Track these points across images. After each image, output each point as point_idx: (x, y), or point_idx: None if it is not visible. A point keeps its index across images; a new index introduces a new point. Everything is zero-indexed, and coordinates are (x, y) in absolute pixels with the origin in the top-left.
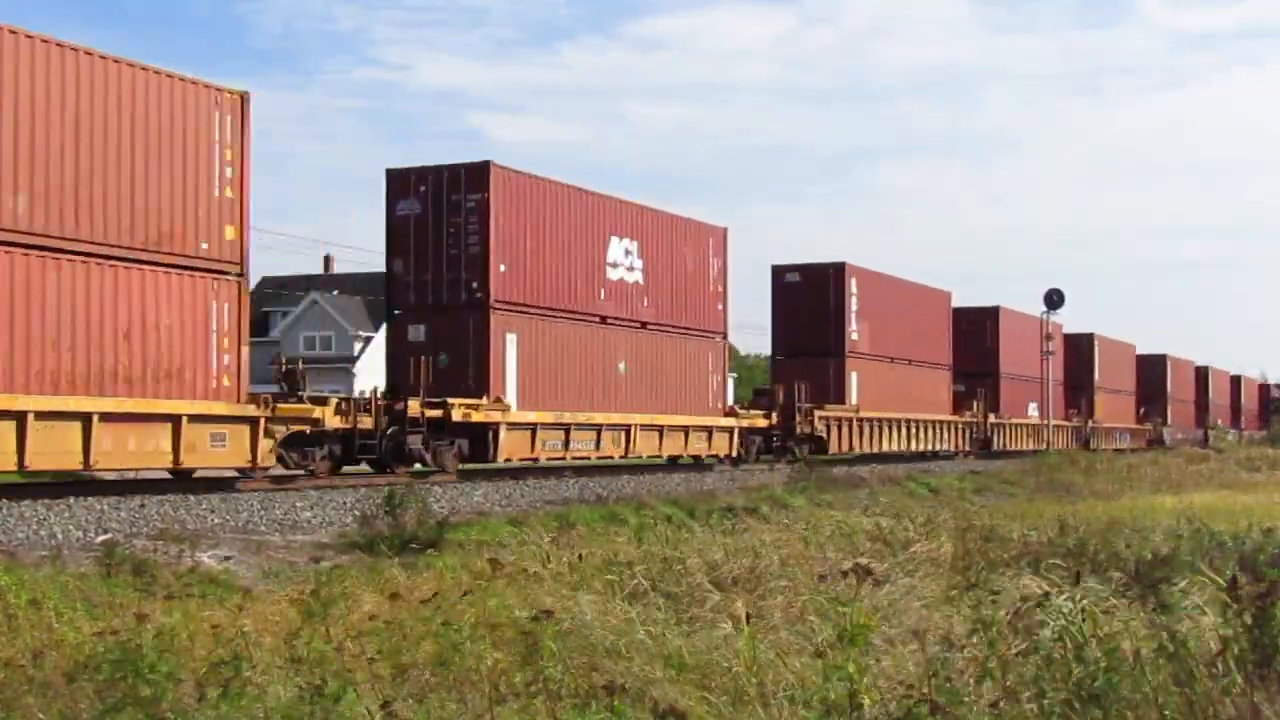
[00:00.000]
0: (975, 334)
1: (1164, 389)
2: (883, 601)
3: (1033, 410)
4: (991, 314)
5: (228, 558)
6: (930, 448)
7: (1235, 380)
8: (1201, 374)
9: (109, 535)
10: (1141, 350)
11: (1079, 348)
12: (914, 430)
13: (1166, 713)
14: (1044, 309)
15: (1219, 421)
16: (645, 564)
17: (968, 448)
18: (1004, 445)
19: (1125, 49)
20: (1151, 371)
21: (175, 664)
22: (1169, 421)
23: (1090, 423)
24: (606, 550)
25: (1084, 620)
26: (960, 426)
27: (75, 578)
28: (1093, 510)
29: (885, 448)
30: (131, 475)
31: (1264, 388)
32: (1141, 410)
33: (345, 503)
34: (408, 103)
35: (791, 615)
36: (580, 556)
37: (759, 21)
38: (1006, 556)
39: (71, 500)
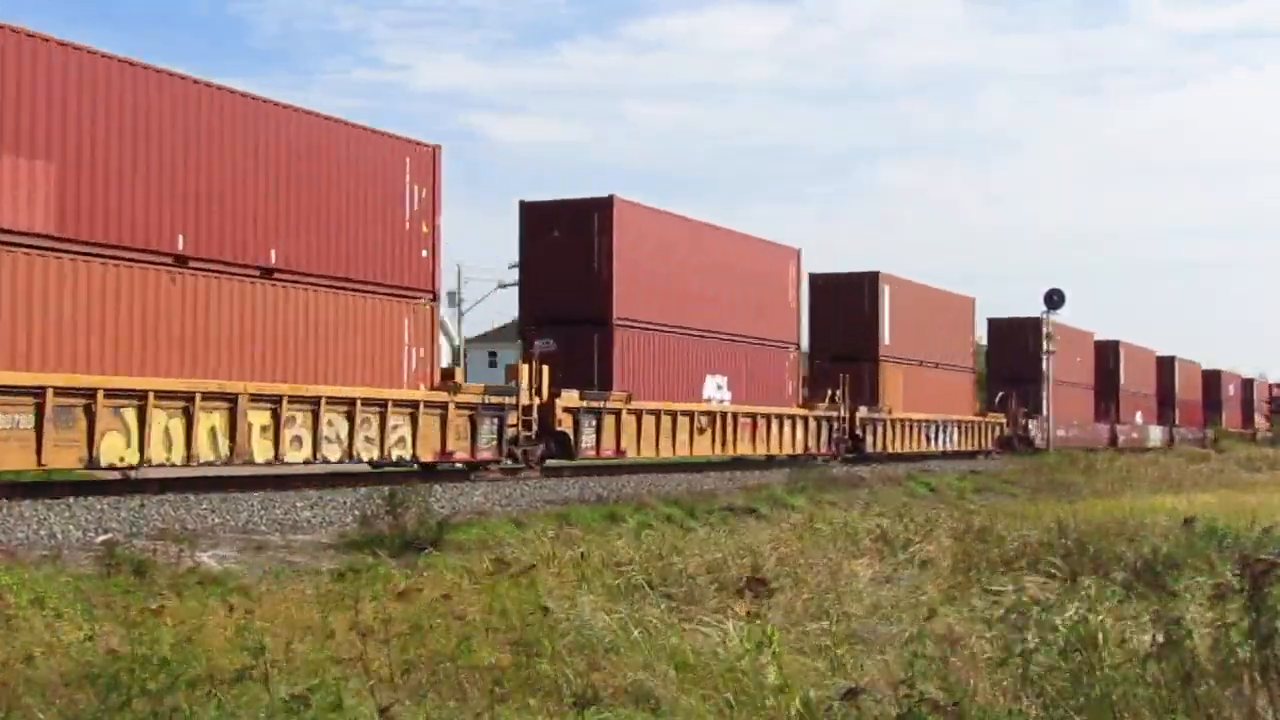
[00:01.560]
0: (575, 255)
1: (1037, 368)
2: (884, 601)
3: (715, 390)
4: (602, 207)
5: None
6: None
7: (1165, 363)
8: (1107, 351)
9: (109, 535)
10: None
11: (849, 297)
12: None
13: (1170, 714)
14: (1044, 309)
15: (1137, 415)
16: (645, 564)
17: (490, 455)
18: (613, 447)
19: (1125, 49)
20: (1014, 342)
21: (178, 664)
22: (1044, 412)
23: (869, 412)
24: (607, 550)
25: (1087, 619)
26: (484, 417)
27: (75, 578)
28: (1092, 510)
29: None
30: (133, 475)
31: (1210, 375)
32: (998, 397)
33: (345, 503)
34: (408, 103)
35: (793, 616)
36: (582, 555)
37: (758, 21)
38: (1007, 556)
39: (71, 500)
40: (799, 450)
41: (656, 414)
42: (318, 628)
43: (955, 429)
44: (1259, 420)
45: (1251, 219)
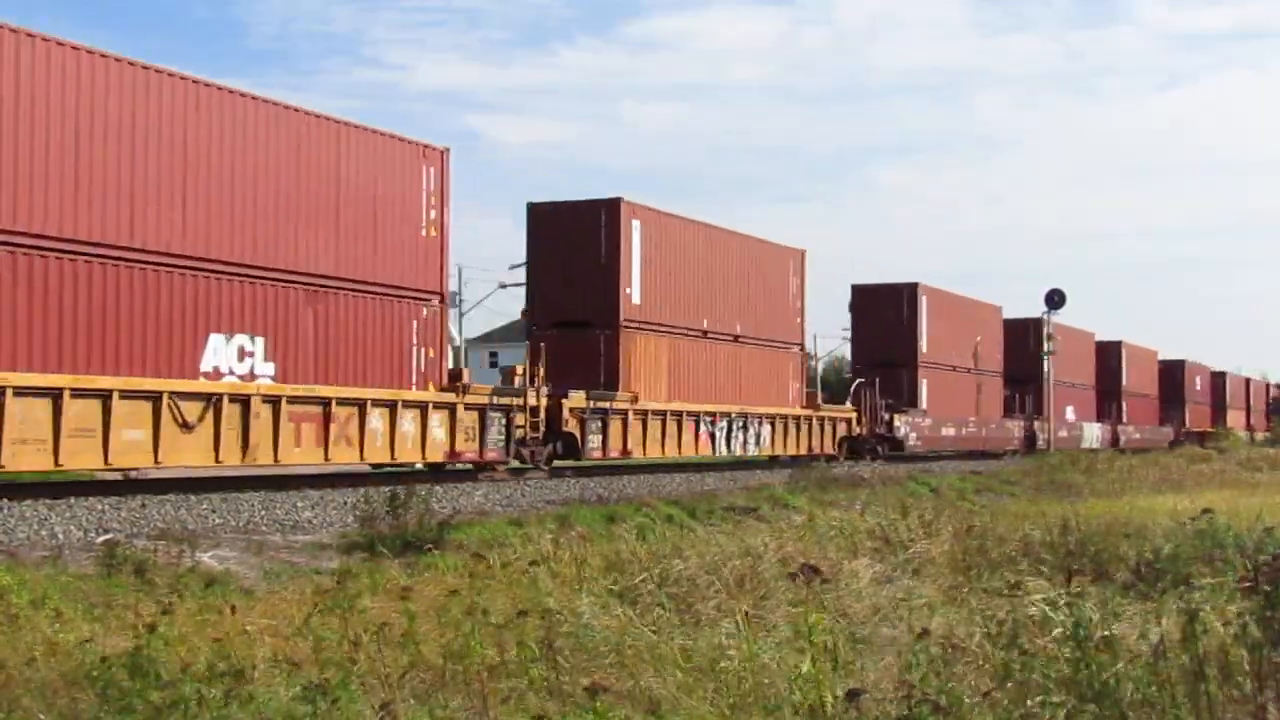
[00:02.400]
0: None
1: (911, 348)
2: (884, 602)
3: (233, 359)
4: None
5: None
6: None
7: (1109, 349)
8: (1024, 331)
9: (110, 535)
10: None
11: (579, 239)
12: None
13: (1175, 712)
14: (1044, 309)
15: (1068, 410)
16: (646, 565)
17: None
18: None
19: (1122, 49)
20: (883, 316)
21: (179, 666)
22: (920, 404)
23: (593, 400)
24: (608, 551)
25: (1092, 621)
26: None
27: (76, 578)
28: (1093, 510)
29: None
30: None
31: (1170, 366)
32: (854, 386)
33: (346, 503)
34: (406, 103)
35: (792, 615)
36: (584, 556)
37: (755, 22)
38: (1008, 556)
39: (72, 500)
40: (436, 456)
41: (53, 397)
42: (315, 629)
43: (767, 426)
44: (1235, 418)
45: (1251, 219)
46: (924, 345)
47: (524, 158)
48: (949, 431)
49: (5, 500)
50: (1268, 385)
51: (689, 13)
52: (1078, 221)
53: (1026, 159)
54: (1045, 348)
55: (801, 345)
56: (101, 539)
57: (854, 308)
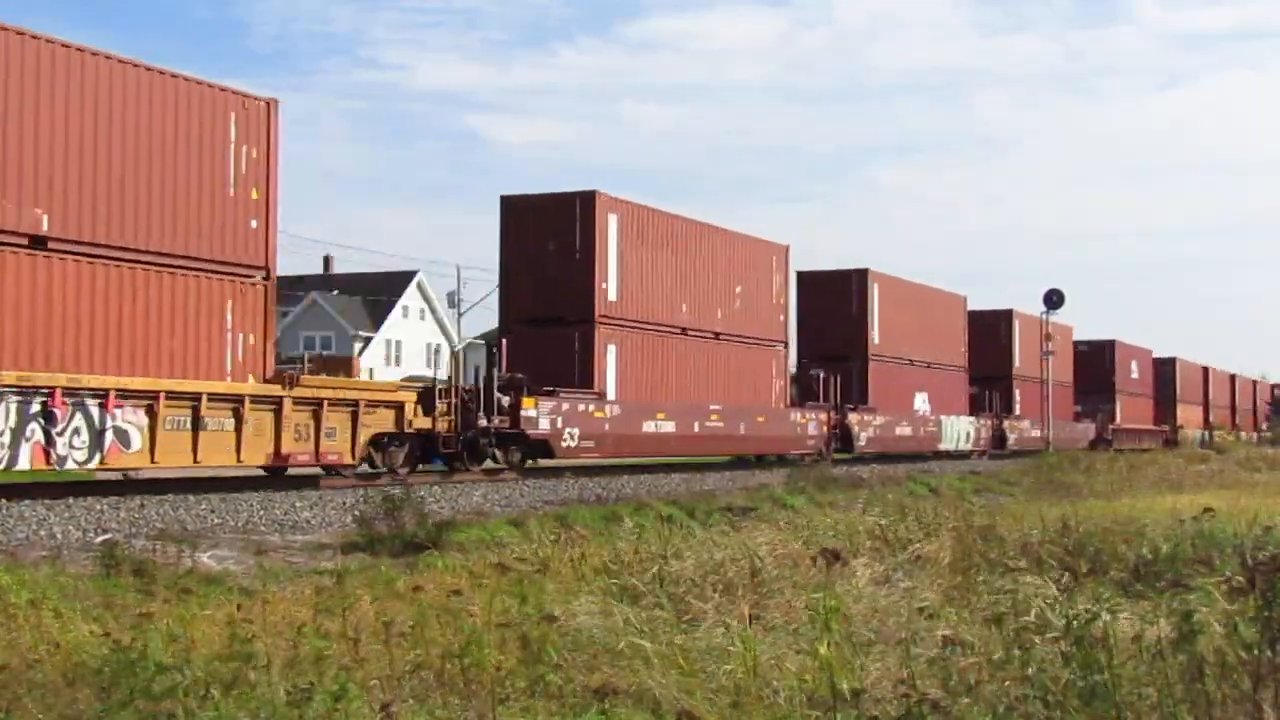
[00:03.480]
0: None
1: (586, 298)
2: (882, 602)
3: None
4: None
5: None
6: None
7: (986, 320)
8: (843, 288)
9: (109, 535)
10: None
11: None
12: None
13: (1174, 713)
14: (1043, 309)
15: (919, 400)
16: (645, 565)
17: None
18: None
19: (1122, 49)
20: (535, 243)
21: (181, 663)
22: (600, 383)
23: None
24: (607, 551)
25: (1089, 619)
26: None
27: (75, 578)
28: (1092, 510)
29: None
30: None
31: (1095, 348)
32: (449, 353)
33: (345, 503)
34: (406, 104)
35: (791, 615)
36: (583, 556)
37: (755, 22)
38: (1007, 555)
39: (71, 500)
40: None
41: None
42: (315, 628)
43: (141, 416)
44: (1188, 415)
45: (1251, 219)
46: (611, 292)
47: (524, 158)
48: (659, 427)
49: (4, 500)
50: (1232, 377)
51: (689, 13)
52: (1078, 221)
53: (1026, 159)
54: (1045, 347)
55: (267, 271)
56: (100, 539)
57: (505, 233)
